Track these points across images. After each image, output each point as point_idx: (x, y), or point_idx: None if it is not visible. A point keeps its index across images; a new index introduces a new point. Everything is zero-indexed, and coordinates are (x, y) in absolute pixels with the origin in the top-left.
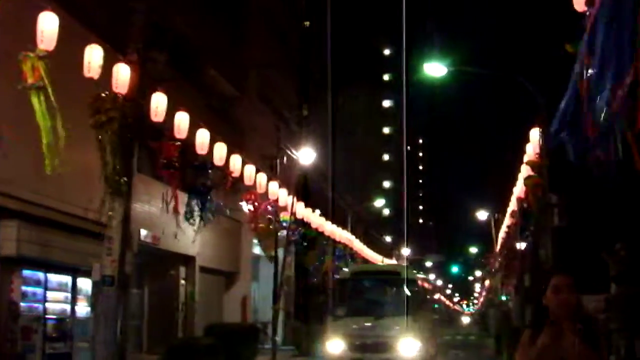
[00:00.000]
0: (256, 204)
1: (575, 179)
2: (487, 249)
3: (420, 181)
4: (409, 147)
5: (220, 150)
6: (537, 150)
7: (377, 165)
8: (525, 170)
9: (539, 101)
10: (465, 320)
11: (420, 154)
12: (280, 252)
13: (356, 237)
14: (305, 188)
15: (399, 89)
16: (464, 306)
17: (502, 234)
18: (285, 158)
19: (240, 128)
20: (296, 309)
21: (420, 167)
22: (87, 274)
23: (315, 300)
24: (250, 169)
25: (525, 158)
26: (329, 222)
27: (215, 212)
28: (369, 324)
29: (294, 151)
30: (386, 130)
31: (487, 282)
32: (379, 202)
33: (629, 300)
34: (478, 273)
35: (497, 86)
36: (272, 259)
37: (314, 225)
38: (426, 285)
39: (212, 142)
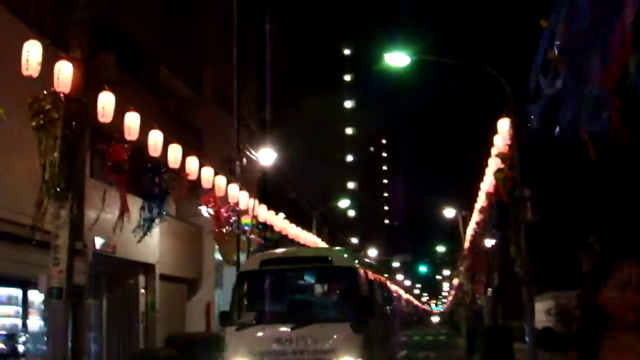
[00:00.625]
0: (216, 208)
1: (547, 170)
2: (455, 248)
3: (385, 181)
4: (372, 148)
5: (174, 152)
6: (507, 142)
7: (340, 166)
8: (494, 164)
9: (507, 90)
10: (435, 319)
11: (384, 154)
12: (243, 257)
13: (322, 240)
14: (266, 190)
15: (360, 89)
16: (433, 305)
17: (470, 232)
18: (245, 160)
19: (198, 130)
20: None
21: (385, 168)
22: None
23: None
24: (208, 172)
25: (494, 151)
26: (293, 225)
27: (165, 217)
28: (287, 336)
29: (254, 152)
30: (349, 130)
31: (455, 281)
32: (344, 203)
33: None
34: (446, 272)
35: (464, 77)
36: (234, 264)
37: (277, 229)
38: (377, 277)
39: (166, 144)
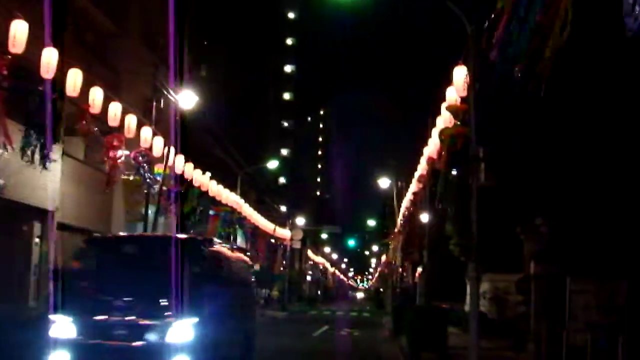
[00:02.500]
0: (119, 152)
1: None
2: (387, 223)
3: (320, 152)
4: (309, 118)
5: (74, 78)
6: (461, 94)
7: (274, 131)
8: (442, 122)
9: (468, 29)
10: (360, 295)
11: (321, 125)
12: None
13: (248, 203)
14: (187, 142)
15: (302, 55)
16: (358, 281)
17: (405, 204)
18: (162, 102)
19: (117, 70)
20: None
21: (320, 139)
22: None
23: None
24: (115, 108)
25: (444, 106)
26: (214, 182)
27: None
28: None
29: (173, 94)
30: (286, 96)
31: (383, 257)
32: (273, 165)
33: (550, 282)
34: (375, 248)
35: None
36: (141, 219)
37: (196, 183)
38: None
39: (66, 68)
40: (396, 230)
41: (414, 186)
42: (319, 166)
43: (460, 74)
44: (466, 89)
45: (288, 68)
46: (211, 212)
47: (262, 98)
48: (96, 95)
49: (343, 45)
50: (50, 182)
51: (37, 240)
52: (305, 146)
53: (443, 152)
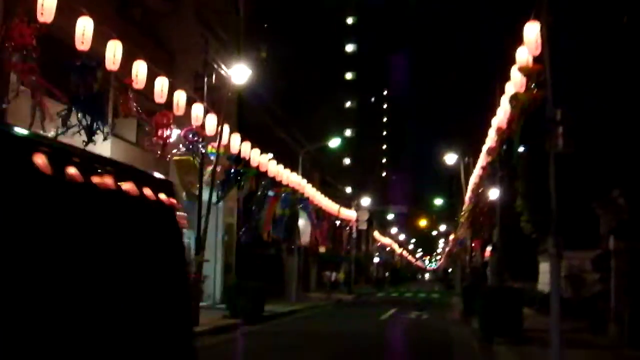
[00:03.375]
0: (168, 130)
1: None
2: (454, 202)
3: (384, 133)
4: (373, 98)
5: (113, 49)
6: (534, 53)
7: (337, 111)
8: (513, 87)
9: None
10: (428, 276)
11: (385, 105)
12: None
13: (311, 184)
14: (245, 120)
15: (364, 34)
16: (426, 262)
17: (473, 180)
18: (214, 78)
19: (168, 49)
20: (238, 262)
21: (385, 119)
22: None
23: (263, 252)
24: (161, 83)
25: (515, 70)
26: (274, 162)
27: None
28: None
29: (225, 69)
30: (349, 75)
31: (451, 237)
32: (338, 149)
33: (633, 257)
34: (442, 227)
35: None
36: (196, 199)
37: (253, 164)
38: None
39: (104, 40)
40: (464, 208)
41: (482, 160)
42: (384, 147)
43: (532, 30)
44: (539, 46)
45: (349, 47)
46: (270, 193)
47: (324, 78)
48: (139, 69)
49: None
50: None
51: None
52: (369, 127)
53: (514, 120)
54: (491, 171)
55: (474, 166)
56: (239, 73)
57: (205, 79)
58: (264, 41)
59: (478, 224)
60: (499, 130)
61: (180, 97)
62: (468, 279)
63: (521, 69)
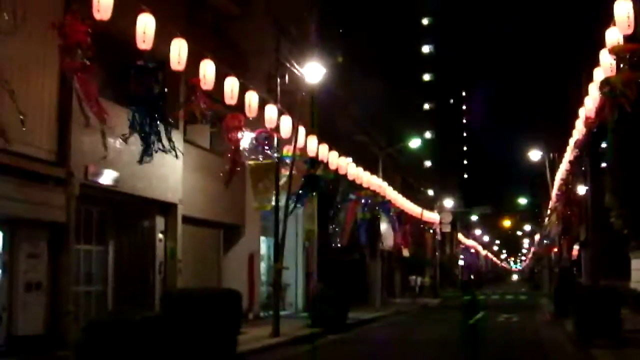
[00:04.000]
0: (240, 133)
1: None
2: (538, 201)
3: (464, 134)
4: (451, 100)
5: (178, 48)
6: (626, 31)
7: (416, 114)
8: (603, 72)
9: None
10: (514, 277)
11: (464, 107)
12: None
13: (392, 187)
14: (320, 122)
15: (440, 36)
16: (512, 263)
17: (560, 176)
18: (287, 79)
19: (239, 51)
20: (320, 270)
21: (464, 121)
22: None
23: (345, 258)
24: (232, 84)
25: (604, 53)
26: (354, 165)
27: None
28: None
29: (300, 70)
30: (426, 77)
31: (537, 237)
32: (419, 151)
33: None
34: (527, 227)
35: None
36: (267, 207)
37: (332, 167)
38: None
39: (170, 40)
40: (550, 205)
41: (569, 154)
42: (464, 148)
43: (623, 8)
44: (632, 24)
45: (426, 48)
46: (351, 196)
47: (402, 80)
48: (207, 69)
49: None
50: (171, 172)
51: (160, 236)
52: (449, 128)
53: (606, 107)
54: (579, 165)
55: (559, 162)
56: (313, 72)
57: (278, 80)
58: (339, 44)
59: (567, 222)
60: (587, 120)
61: (252, 98)
62: (556, 279)
63: (613, 50)
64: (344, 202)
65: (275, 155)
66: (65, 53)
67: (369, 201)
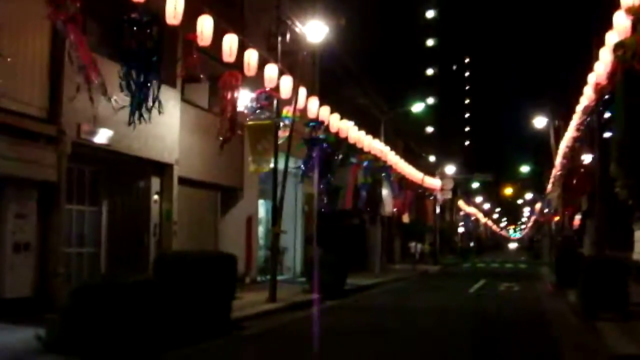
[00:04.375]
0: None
1: None
2: (542, 169)
3: (467, 101)
4: (454, 66)
5: (174, 1)
6: None
7: (418, 79)
8: (617, 35)
9: None
10: (512, 246)
11: (467, 73)
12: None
13: (394, 151)
14: (321, 82)
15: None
16: (511, 231)
17: (565, 143)
18: (288, 38)
19: (238, 6)
20: (320, 235)
21: (467, 87)
22: None
23: (345, 223)
24: (230, 40)
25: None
26: (355, 128)
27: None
28: None
29: (302, 29)
30: (429, 42)
31: (538, 205)
32: (421, 117)
33: None
34: (528, 196)
35: None
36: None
37: (332, 130)
38: None
39: None
40: (554, 173)
41: (576, 121)
42: (467, 115)
43: None
44: None
45: (430, 13)
46: (353, 160)
47: (404, 45)
48: (205, 24)
49: None
50: (168, 132)
51: (155, 197)
52: (452, 95)
53: (618, 72)
54: (587, 132)
55: (564, 129)
56: (315, 31)
57: (279, 38)
58: (342, 5)
59: (570, 191)
60: (597, 86)
61: (251, 56)
62: (558, 248)
63: (630, 10)
64: (344, 166)
65: (275, 115)
66: (53, 2)
67: (371, 165)
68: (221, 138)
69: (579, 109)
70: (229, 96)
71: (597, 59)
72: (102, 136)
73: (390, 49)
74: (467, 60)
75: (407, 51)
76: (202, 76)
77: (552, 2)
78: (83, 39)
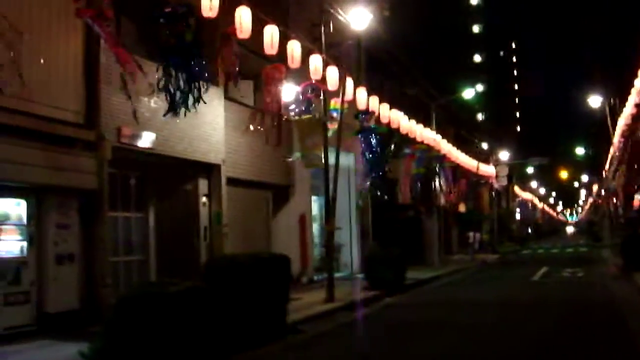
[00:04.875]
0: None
1: None
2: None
3: (516, 87)
4: (502, 52)
5: None
6: None
7: (466, 66)
8: None
9: None
10: (570, 230)
11: (514, 59)
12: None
13: (446, 139)
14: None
15: None
16: (567, 215)
17: (624, 121)
18: (332, 28)
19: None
20: (375, 229)
21: (515, 73)
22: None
23: (401, 216)
24: (271, 31)
25: None
26: (405, 117)
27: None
28: None
29: (346, 18)
30: (475, 29)
31: (595, 187)
32: (471, 104)
33: None
34: (584, 178)
35: None
36: (318, 164)
37: (384, 120)
38: None
39: None
40: (611, 153)
41: (634, 97)
42: (516, 100)
43: None
44: None
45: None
46: (406, 151)
47: (451, 32)
48: (243, 15)
49: None
50: (212, 132)
51: (204, 199)
52: (500, 81)
53: None
54: None
55: (621, 108)
56: (359, 18)
57: (323, 28)
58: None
59: (631, 170)
60: None
61: (294, 47)
62: (623, 230)
63: None
64: (398, 157)
65: (322, 108)
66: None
67: (424, 155)
68: (263, 132)
69: (638, 83)
70: (273, 90)
71: None
72: (145, 140)
73: (436, 37)
74: (513, 46)
75: (454, 38)
76: (239, 78)
77: None
78: (114, 36)
